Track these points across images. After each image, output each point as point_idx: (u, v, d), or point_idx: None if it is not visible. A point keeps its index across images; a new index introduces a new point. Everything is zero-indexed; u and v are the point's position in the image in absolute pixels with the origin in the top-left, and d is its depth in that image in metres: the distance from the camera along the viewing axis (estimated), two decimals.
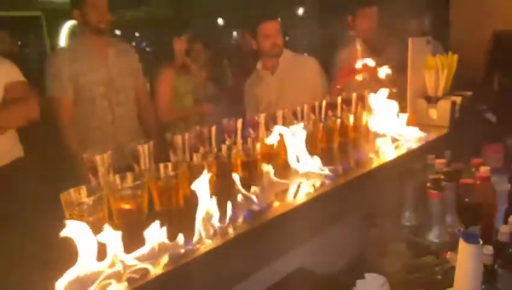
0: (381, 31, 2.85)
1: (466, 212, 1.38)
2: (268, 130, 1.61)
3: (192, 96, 2.97)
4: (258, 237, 1.08)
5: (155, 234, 0.90)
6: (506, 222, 1.32)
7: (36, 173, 2.14)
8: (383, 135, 1.79)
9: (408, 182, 1.54)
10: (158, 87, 2.86)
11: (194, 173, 1.23)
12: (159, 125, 2.76)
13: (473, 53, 2.79)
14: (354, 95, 1.93)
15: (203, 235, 0.98)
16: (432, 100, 1.96)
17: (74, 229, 0.82)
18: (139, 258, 0.87)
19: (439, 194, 1.40)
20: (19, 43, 5.58)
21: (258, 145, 1.42)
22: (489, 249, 1.12)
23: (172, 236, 0.93)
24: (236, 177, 1.13)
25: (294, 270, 1.31)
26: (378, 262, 1.36)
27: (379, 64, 2.45)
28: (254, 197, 1.11)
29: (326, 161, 1.38)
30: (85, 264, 0.82)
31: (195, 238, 0.97)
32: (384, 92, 1.82)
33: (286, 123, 1.70)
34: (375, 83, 2.15)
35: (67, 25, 6.05)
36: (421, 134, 1.77)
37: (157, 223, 0.90)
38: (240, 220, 1.06)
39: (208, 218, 0.99)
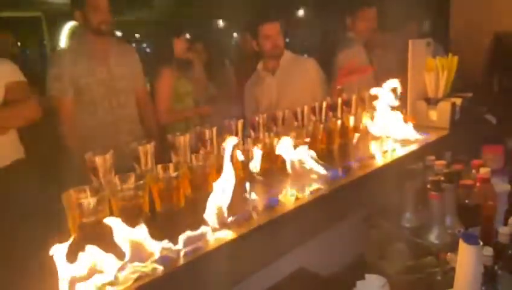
0: (381, 33, 2.86)
1: (466, 213, 1.38)
2: (269, 131, 1.62)
3: (192, 97, 2.97)
4: (258, 238, 1.08)
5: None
6: (506, 223, 1.32)
7: (37, 173, 2.14)
8: (384, 136, 1.79)
9: (408, 183, 1.54)
10: (158, 89, 2.86)
11: (195, 174, 1.24)
12: (159, 126, 2.77)
13: (473, 54, 2.80)
14: (354, 96, 1.93)
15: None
16: (432, 102, 1.96)
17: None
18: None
19: (439, 196, 1.40)
20: (19, 43, 5.58)
21: (259, 146, 1.42)
22: (489, 251, 1.12)
23: (173, 236, 0.94)
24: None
25: (295, 271, 1.31)
26: (378, 263, 1.36)
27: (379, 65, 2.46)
28: None
29: (326, 162, 1.38)
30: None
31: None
32: (387, 92, 1.82)
33: (286, 124, 1.71)
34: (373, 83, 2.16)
35: (68, 26, 6.06)
36: (421, 135, 1.77)
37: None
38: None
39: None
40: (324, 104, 1.83)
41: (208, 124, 1.49)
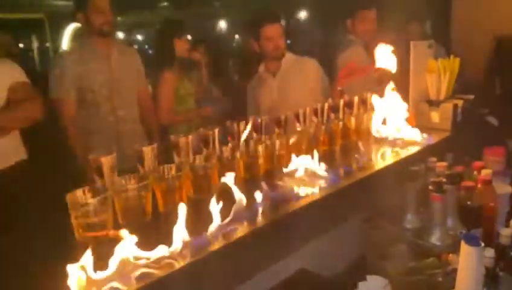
0: (383, 35, 2.86)
1: (467, 215, 1.38)
2: (271, 132, 1.62)
3: (194, 98, 2.98)
4: (260, 239, 1.09)
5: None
6: (507, 225, 1.32)
7: (40, 174, 2.15)
8: (385, 138, 1.80)
9: (410, 184, 1.54)
10: (160, 90, 2.86)
11: (197, 175, 1.24)
12: (161, 127, 2.78)
13: (475, 56, 2.80)
14: (356, 97, 1.94)
15: None
16: (433, 103, 1.97)
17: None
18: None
19: (440, 197, 1.40)
20: (22, 45, 5.61)
21: (260, 147, 1.43)
22: (490, 252, 1.13)
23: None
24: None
25: (296, 272, 1.31)
26: (379, 264, 1.37)
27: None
28: None
29: (328, 164, 1.38)
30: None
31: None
32: (390, 94, 1.83)
33: (288, 126, 1.71)
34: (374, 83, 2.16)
35: (70, 28, 6.08)
36: (423, 137, 1.78)
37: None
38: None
39: None
40: (326, 106, 1.83)
41: (210, 125, 1.49)
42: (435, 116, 1.95)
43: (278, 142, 1.48)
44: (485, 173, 1.42)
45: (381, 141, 1.80)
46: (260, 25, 2.50)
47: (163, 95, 2.84)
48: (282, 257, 1.18)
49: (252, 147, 1.45)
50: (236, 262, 1.05)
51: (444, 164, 1.59)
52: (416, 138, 1.77)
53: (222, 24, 7.26)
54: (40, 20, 6.16)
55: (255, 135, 1.61)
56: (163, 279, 0.88)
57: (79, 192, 1.01)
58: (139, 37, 7.68)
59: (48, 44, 6.30)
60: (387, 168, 1.52)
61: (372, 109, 1.88)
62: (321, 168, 1.36)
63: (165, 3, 7.05)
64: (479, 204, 1.36)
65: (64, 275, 0.82)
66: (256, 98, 2.65)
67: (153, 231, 1.08)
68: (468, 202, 1.37)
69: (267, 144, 1.48)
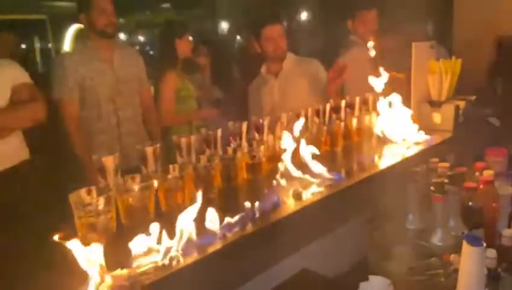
0: (384, 35, 2.87)
1: (469, 216, 1.38)
2: (273, 133, 1.62)
3: (195, 100, 2.99)
4: (262, 239, 1.09)
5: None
6: (509, 226, 1.33)
7: (42, 174, 2.15)
8: (387, 139, 1.80)
9: (412, 185, 1.55)
10: (161, 91, 2.87)
11: (200, 175, 1.25)
12: (163, 128, 2.78)
13: (477, 57, 2.80)
14: (358, 98, 1.94)
15: None
16: (435, 104, 1.97)
17: None
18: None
19: (442, 198, 1.41)
20: (24, 46, 5.62)
21: (263, 148, 1.43)
22: (492, 253, 1.13)
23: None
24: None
25: (298, 272, 1.32)
26: (381, 265, 1.37)
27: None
28: None
29: (330, 164, 1.39)
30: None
31: None
32: (394, 95, 1.83)
33: (290, 127, 1.72)
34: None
35: (72, 29, 6.10)
36: (425, 138, 1.78)
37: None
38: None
39: None
40: (328, 107, 1.84)
41: (212, 126, 1.50)
42: (437, 117, 1.95)
43: (279, 143, 1.49)
44: (487, 174, 1.42)
45: (383, 142, 1.80)
46: (261, 25, 2.50)
47: (165, 96, 2.85)
48: (284, 257, 1.18)
49: (254, 148, 1.45)
50: (238, 262, 1.05)
51: (446, 164, 1.59)
52: (418, 139, 1.77)
53: (224, 25, 7.27)
54: (42, 21, 6.17)
55: (257, 135, 1.62)
56: (168, 276, 0.88)
57: (82, 192, 1.01)
58: (141, 38, 7.69)
59: (50, 45, 6.32)
60: (388, 169, 1.52)
61: (374, 109, 1.88)
62: (323, 169, 1.37)
63: (167, 5, 7.07)
64: (480, 205, 1.36)
65: (66, 275, 0.83)
66: (258, 99, 2.66)
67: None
68: (470, 203, 1.38)
69: (269, 145, 1.48)
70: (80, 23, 2.48)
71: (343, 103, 1.88)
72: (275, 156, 1.47)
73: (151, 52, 6.94)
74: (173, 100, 2.86)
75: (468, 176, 1.51)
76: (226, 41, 6.53)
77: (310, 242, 1.27)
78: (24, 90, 2.00)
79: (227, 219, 1.03)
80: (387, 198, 1.54)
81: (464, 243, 0.98)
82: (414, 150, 1.70)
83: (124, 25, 6.38)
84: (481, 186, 1.41)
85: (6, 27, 3.76)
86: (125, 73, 2.50)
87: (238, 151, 1.40)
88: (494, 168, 1.54)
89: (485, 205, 1.36)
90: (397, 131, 1.80)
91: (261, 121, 1.62)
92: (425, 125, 1.91)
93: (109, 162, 1.14)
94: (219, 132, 1.45)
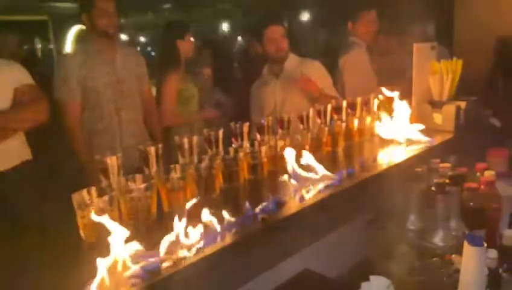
0: (385, 36, 2.87)
1: (470, 216, 1.38)
2: (274, 134, 1.63)
3: (197, 101, 2.99)
4: (264, 239, 1.10)
5: None
6: (510, 226, 1.33)
7: (44, 175, 2.16)
8: (389, 139, 1.80)
9: (413, 185, 1.55)
10: (163, 91, 2.87)
11: (201, 175, 1.25)
12: (164, 129, 2.79)
13: (478, 58, 2.80)
14: (359, 99, 1.95)
15: None
16: (436, 105, 1.97)
17: None
18: None
19: (444, 198, 1.41)
20: (26, 47, 5.64)
21: (264, 149, 1.44)
22: (493, 253, 1.13)
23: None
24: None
25: (300, 272, 1.32)
26: (383, 265, 1.37)
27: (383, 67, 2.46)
28: None
29: (331, 165, 1.39)
30: None
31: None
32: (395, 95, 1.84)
33: (292, 127, 1.72)
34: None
35: (74, 30, 6.12)
36: (426, 138, 1.78)
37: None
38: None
39: None
40: (329, 107, 1.84)
41: (214, 126, 1.51)
42: (438, 117, 1.95)
43: (281, 143, 1.49)
44: (488, 174, 1.42)
45: (384, 142, 1.80)
46: (262, 26, 2.51)
47: (167, 97, 2.85)
48: (286, 257, 1.19)
49: (255, 148, 1.45)
50: (239, 262, 1.05)
51: (447, 165, 1.59)
52: (419, 139, 1.77)
53: (226, 26, 7.28)
54: (44, 22, 6.19)
55: (258, 136, 1.62)
56: (172, 275, 0.89)
57: (85, 192, 1.02)
58: (143, 39, 7.71)
59: (51, 46, 6.34)
60: (390, 170, 1.52)
61: (375, 110, 1.89)
62: (324, 169, 1.37)
63: (169, 5, 7.08)
64: (482, 205, 1.36)
65: (68, 275, 0.83)
66: (259, 100, 2.66)
67: (158, 230, 1.09)
68: (471, 203, 1.38)
69: (271, 145, 1.49)
70: (82, 24, 2.49)
71: (344, 104, 1.89)
72: (277, 157, 1.47)
73: (152, 53, 6.95)
74: (175, 101, 2.86)
75: (469, 176, 1.51)
76: (228, 42, 6.54)
77: (312, 242, 1.27)
78: (26, 92, 2.00)
79: (229, 219, 1.03)
80: (388, 198, 1.55)
81: (465, 244, 0.98)
82: (415, 150, 1.70)
83: (125, 25, 6.40)
84: (482, 186, 1.41)
85: (8, 28, 3.76)
86: (126, 74, 2.50)
87: (240, 152, 1.40)
88: (495, 168, 1.54)
89: (486, 205, 1.36)
90: (398, 131, 1.80)
91: (262, 121, 1.63)
92: (426, 125, 1.91)
93: (111, 162, 1.14)
94: (221, 132, 1.45)
